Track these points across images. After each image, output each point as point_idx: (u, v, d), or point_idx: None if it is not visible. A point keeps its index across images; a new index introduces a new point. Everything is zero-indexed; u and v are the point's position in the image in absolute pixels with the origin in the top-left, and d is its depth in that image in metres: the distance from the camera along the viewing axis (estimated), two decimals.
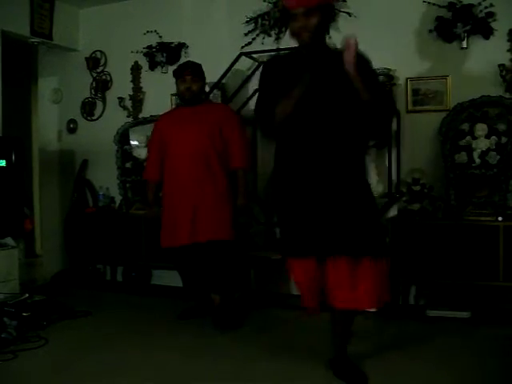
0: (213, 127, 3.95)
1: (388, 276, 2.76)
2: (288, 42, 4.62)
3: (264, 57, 4.71)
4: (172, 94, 5.09)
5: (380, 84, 2.89)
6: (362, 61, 2.72)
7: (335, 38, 4.50)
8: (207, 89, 4.83)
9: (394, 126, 4.27)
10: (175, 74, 4.09)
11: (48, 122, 6.00)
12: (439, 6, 4.26)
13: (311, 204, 2.71)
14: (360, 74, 2.61)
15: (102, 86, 5.65)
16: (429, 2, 4.29)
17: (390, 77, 4.35)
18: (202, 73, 4.08)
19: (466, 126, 4.08)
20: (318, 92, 2.69)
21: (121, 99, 5.48)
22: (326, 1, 2.76)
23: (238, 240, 4.06)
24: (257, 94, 4.59)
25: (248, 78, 4.75)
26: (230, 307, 3.96)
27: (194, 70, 4.02)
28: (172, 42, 5.19)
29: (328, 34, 2.89)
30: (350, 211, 2.69)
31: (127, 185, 5.25)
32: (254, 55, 4.72)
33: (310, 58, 2.73)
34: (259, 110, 2.86)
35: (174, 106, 4.99)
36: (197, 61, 4.93)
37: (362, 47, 4.46)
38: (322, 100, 2.70)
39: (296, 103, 2.64)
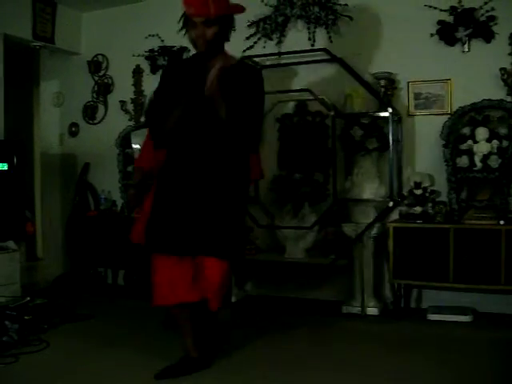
0: None
1: (228, 278, 3.03)
2: (290, 45, 4.69)
3: (265, 60, 4.74)
4: None
5: (250, 105, 2.88)
6: (249, 76, 2.95)
7: (337, 42, 4.57)
8: None
9: (396, 129, 4.29)
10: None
11: (50, 126, 6.01)
12: (441, 10, 4.27)
13: (181, 206, 2.89)
14: (230, 90, 2.79)
15: (103, 89, 5.66)
16: (430, 6, 4.29)
17: (391, 80, 4.36)
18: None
19: (467, 130, 4.08)
20: (196, 101, 2.86)
21: (122, 103, 5.49)
22: (224, 12, 2.85)
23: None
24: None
25: None
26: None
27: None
28: (174, 46, 5.20)
29: (228, 41, 3.00)
30: (209, 213, 2.87)
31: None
32: (256, 59, 4.72)
33: (198, 67, 2.91)
34: (150, 117, 3.04)
35: None
36: None
37: (363, 51, 4.52)
38: (198, 109, 2.86)
39: (178, 118, 2.87)
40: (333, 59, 4.40)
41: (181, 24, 2.93)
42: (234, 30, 3.12)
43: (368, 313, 4.18)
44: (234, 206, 2.95)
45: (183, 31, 2.94)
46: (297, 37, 4.74)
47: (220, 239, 2.88)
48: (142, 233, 3.49)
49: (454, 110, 4.20)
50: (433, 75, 4.34)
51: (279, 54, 4.71)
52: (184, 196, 2.89)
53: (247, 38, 4.87)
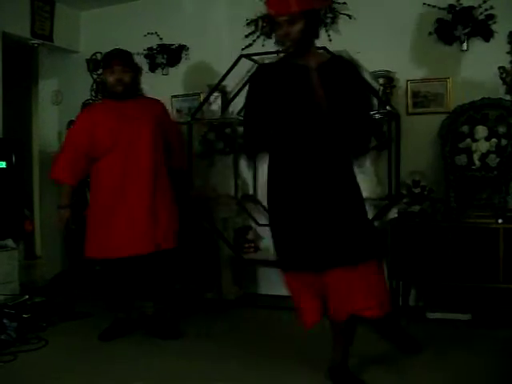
0: (154, 124, 3.64)
1: (385, 280, 2.80)
2: None
3: (264, 59, 4.73)
4: (172, 96, 5.10)
5: (365, 100, 2.84)
6: (348, 70, 2.76)
7: (336, 41, 4.56)
8: (207, 90, 4.84)
9: (393, 128, 4.29)
10: (103, 63, 3.71)
11: (48, 124, 6.00)
12: (439, 8, 4.27)
13: (303, 216, 2.69)
14: (343, 86, 2.68)
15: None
16: (429, 4, 4.29)
17: (390, 79, 4.35)
18: (133, 62, 3.70)
19: (466, 129, 4.08)
20: (305, 105, 2.68)
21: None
22: (309, 6, 2.67)
23: (179, 247, 3.76)
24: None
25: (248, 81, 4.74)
26: (166, 315, 3.89)
27: (123, 59, 3.61)
28: (172, 44, 5.20)
29: (317, 38, 2.81)
30: (341, 220, 2.67)
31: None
32: (255, 57, 4.71)
33: (295, 70, 2.72)
34: (248, 132, 2.84)
35: (171, 108, 5.00)
36: (197, 63, 4.95)
37: (362, 49, 4.51)
38: (309, 113, 2.68)
39: (287, 115, 2.69)
40: None
41: (269, 28, 2.87)
42: (325, 26, 2.98)
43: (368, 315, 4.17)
44: (359, 205, 2.79)
45: (274, 36, 2.84)
46: None
47: (359, 242, 2.69)
48: (95, 245, 3.56)
49: (453, 108, 4.20)
50: (431, 74, 4.34)
51: (278, 52, 4.69)
52: (309, 205, 2.68)
53: (246, 36, 4.86)
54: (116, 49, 3.77)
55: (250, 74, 4.70)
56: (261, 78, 2.81)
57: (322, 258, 2.66)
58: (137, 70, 3.74)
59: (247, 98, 2.84)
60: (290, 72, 2.72)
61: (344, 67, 2.78)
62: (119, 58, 3.63)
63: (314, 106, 2.65)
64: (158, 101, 3.95)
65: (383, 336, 3.47)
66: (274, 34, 2.86)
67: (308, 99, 2.66)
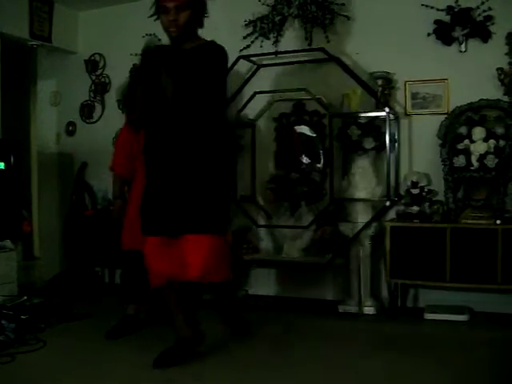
0: None
1: (227, 252, 3.25)
2: (287, 45, 4.69)
3: (262, 60, 4.73)
4: None
5: (200, 81, 2.97)
6: (212, 56, 3.02)
7: (334, 42, 4.57)
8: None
9: (393, 129, 4.30)
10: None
11: (47, 125, 6.00)
12: (438, 10, 4.28)
13: (165, 188, 3.04)
14: (186, 70, 2.93)
15: (100, 88, 5.65)
16: (427, 6, 4.30)
17: (388, 80, 4.36)
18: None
19: (464, 130, 4.09)
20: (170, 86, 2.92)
21: (120, 102, 5.48)
22: None
23: None
24: (255, 96, 4.67)
25: (246, 81, 4.75)
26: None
27: None
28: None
29: (201, 27, 3.09)
30: (194, 195, 3.01)
31: (126, 187, 5.24)
32: (253, 58, 4.72)
33: (170, 53, 2.99)
34: (127, 100, 3.24)
35: None
36: None
37: (360, 51, 4.52)
38: (173, 94, 2.92)
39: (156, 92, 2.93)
40: (330, 59, 4.39)
41: (153, 11, 3.03)
42: (207, 16, 3.15)
43: (365, 312, 4.19)
44: (212, 182, 3.06)
45: (155, 17, 3.05)
46: (294, 36, 4.74)
47: (203, 215, 3.02)
48: (129, 238, 3.69)
49: (451, 109, 4.21)
50: (430, 75, 4.35)
51: (276, 53, 4.71)
52: (165, 179, 3.04)
53: (244, 38, 4.86)
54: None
55: (248, 75, 4.75)
56: (149, 55, 3.01)
57: (175, 224, 3.04)
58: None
59: (137, 71, 3.23)
60: (169, 53, 2.98)
61: (207, 51, 3.02)
62: None
63: (162, 89, 2.91)
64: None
65: (222, 320, 3.69)
66: (156, 19, 3.07)
67: (174, 79, 2.90)
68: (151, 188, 3.13)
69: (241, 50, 4.81)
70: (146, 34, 5.25)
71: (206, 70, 2.96)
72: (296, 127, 4.79)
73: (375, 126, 4.27)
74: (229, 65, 4.59)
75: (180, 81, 2.91)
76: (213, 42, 3.11)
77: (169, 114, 2.98)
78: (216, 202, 3.09)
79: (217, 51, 3.05)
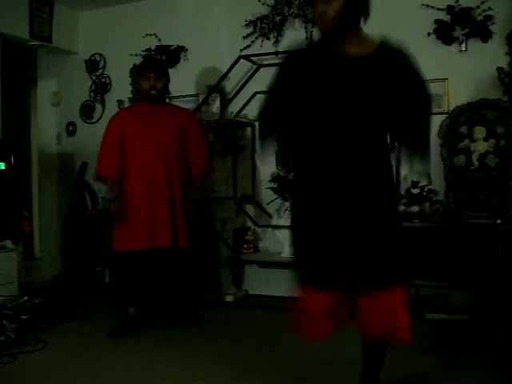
0: (176, 130, 3.86)
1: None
2: (287, 44, 4.68)
3: (263, 60, 4.74)
4: (170, 97, 5.10)
5: (424, 100, 2.39)
6: (402, 64, 2.38)
7: None
8: (205, 91, 4.85)
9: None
10: (137, 71, 3.93)
11: (47, 125, 6.01)
12: (438, 9, 4.28)
13: (337, 224, 2.29)
14: (394, 83, 2.28)
15: (101, 88, 5.66)
16: (427, 5, 4.30)
17: None
18: (166, 70, 3.97)
19: (464, 129, 4.09)
20: (340, 99, 2.27)
21: (120, 102, 5.49)
22: None
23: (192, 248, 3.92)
24: (255, 96, 4.67)
25: (247, 81, 4.75)
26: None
27: (157, 68, 3.89)
28: (171, 45, 5.20)
29: (366, 16, 2.40)
30: (378, 235, 2.31)
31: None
32: (253, 58, 4.73)
33: (332, 59, 2.31)
34: (264, 115, 2.44)
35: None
36: (196, 64, 4.95)
37: None
38: (346, 108, 2.27)
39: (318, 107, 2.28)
40: None
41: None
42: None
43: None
44: (396, 220, 2.44)
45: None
46: (294, 36, 4.73)
47: (392, 262, 2.40)
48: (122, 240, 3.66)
49: (451, 109, 4.21)
50: (430, 74, 4.27)
51: (276, 53, 4.71)
52: (341, 214, 2.29)
53: (244, 38, 4.87)
54: (151, 57, 4.21)
55: (248, 75, 4.75)
56: (291, 64, 2.40)
57: (353, 275, 2.30)
58: (168, 78, 3.96)
59: (271, 82, 2.39)
60: (325, 60, 2.31)
61: (397, 59, 2.37)
62: (154, 66, 3.90)
63: (351, 104, 2.26)
64: (185, 110, 4.17)
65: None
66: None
67: (343, 95, 2.26)
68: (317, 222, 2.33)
69: (241, 50, 4.81)
70: (147, 34, 5.29)
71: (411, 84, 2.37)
72: None
73: None
74: (229, 65, 4.66)
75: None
76: (389, 46, 2.49)
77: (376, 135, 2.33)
78: (402, 242, 2.49)
79: (406, 58, 2.44)
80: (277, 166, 4.71)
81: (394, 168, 2.46)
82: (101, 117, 5.66)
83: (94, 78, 5.70)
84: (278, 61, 4.70)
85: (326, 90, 2.27)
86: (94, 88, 5.69)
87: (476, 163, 4.02)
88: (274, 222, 4.64)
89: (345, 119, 2.26)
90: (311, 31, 4.65)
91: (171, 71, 4.47)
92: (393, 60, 2.34)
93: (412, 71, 2.37)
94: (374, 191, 2.29)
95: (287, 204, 4.60)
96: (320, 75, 2.29)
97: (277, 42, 4.80)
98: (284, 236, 4.58)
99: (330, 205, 2.28)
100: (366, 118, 2.27)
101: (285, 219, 4.57)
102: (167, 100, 4.32)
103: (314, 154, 2.32)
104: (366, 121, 2.27)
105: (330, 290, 2.32)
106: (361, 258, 2.28)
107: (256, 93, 4.65)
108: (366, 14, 2.38)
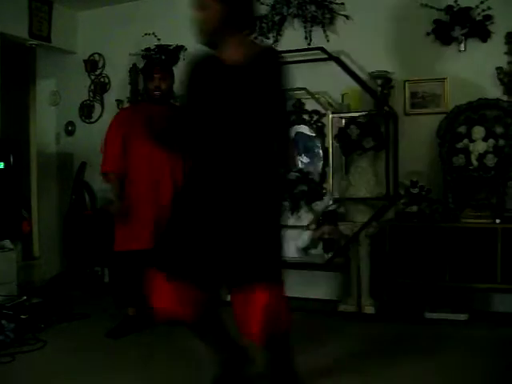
0: None
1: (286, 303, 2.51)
2: (286, 44, 4.69)
3: None
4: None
5: (282, 111, 2.49)
6: (273, 72, 2.43)
7: (333, 41, 4.57)
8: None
9: (391, 128, 4.30)
10: (143, 72, 3.95)
11: (46, 125, 6.00)
12: (437, 9, 4.28)
13: (208, 220, 2.37)
14: (262, 91, 2.37)
15: (100, 88, 5.65)
16: (426, 5, 4.30)
17: (387, 79, 4.36)
18: (172, 71, 3.99)
19: (463, 129, 4.09)
20: (224, 105, 2.40)
21: (119, 102, 5.49)
22: None
23: None
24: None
25: None
26: None
27: (162, 69, 3.92)
28: (170, 45, 5.19)
29: (245, 25, 2.46)
30: (245, 234, 2.35)
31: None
32: None
33: (213, 65, 2.46)
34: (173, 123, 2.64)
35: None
36: None
37: (359, 50, 4.52)
38: (228, 114, 2.40)
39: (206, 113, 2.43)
40: (329, 58, 4.40)
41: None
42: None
43: (364, 311, 4.18)
44: (273, 221, 2.47)
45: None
46: (293, 36, 4.74)
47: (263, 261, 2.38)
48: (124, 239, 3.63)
49: (451, 108, 4.20)
50: (429, 74, 4.35)
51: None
52: (217, 212, 2.37)
53: None
54: (156, 57, 4.21)
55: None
56: (189, 69, 2.59)
57: (213, 271, 2.36)
58: (173, 79, 3.97)
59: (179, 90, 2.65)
60: (207, 68, 2.47)
61: (268, 68, 2.41)
62: (159, 67, 3.94)
63: (226, 108, 2.39)
64: None
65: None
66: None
67: (216, 102, 2.40)
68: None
69: None
70: (146, 34, 5.28)
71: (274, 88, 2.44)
72: (295, 126, 4.80)
73: (374, 126, 4.26)
74: None
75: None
76: (269, 50, 2.65)
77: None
78: (277, 244, 2.47)
79: (278, 64, 2.49)
80: None
81: (280, 169, 2.58)
82: (100, 116, 5.65)
83: (93, 77, 5.69)
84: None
85: (204, 97, 2.44)
86: (93, 88, 5.69)
87: (475, 163, 4.02)
88: None
89: (219, 124, 2.40)
90: (310, 31, 4.65)
91: None
92: (264, 69, 2.40)
93: (276, 81, 2.43)
94: (249, 191, 2.37)
95: (287, 204, 4.61)
96: (202, 82, 2.46)
97: (276, 41, 4.79)
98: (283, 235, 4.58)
99: (206, 202, 2.38)
100: (237, 123, 2.38)
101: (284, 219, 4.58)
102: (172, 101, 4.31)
103: (200, 155, 2.47)
104: (238, 126, 2.38)
105: (185, 282, 2.35)
106: (223, 255, 2.34)
107: None
108: (248, 22, 2.48)
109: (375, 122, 4.27)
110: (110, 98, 5.59)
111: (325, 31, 4.61)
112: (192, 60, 2.61)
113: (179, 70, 5.08)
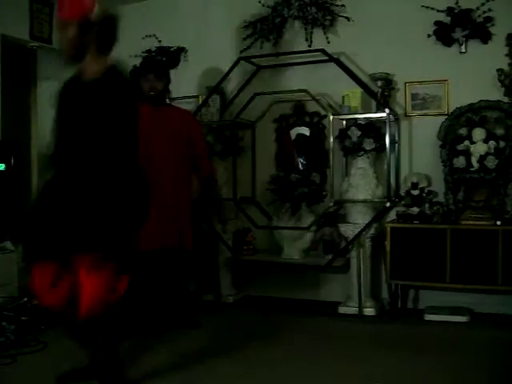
0: (179, 131, 3.88)
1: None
2: (287, 46, 4.70)
3: (262, 61, 4.74)
4: (170, 98, 5.10)
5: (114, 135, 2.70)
6: (113, 94, 2.64)
7: (334, 43, 4.57)
8: (205, 93, 4.85)
9: (393, 130, 4.30)
10: (137, 72, 4.00)
11: (47, 126, 5.95)
12: (438, 11, 4.28)
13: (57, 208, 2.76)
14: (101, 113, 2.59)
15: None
16: (427, 7, 4.30)
17: (388, 81, 4.36)
18: (166, 71, 3.99)
19: (464, 131, 4.09)
20: (70, 122, 2.70)
21: None
22: (77, 15, 2.61)
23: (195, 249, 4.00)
24: (255, 97, 4.68)
25: (247, 83, 4.75)
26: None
27: (156, 69, 3.93)
28: (171, 47, 5.20)
29: (103, 46, 2.73)
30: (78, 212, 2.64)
31: None
32: (253, 60, 4.73)
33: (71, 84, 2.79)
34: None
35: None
36: (196, 65, 4.94)
37: (360, 52, 4.52)
38: (72, 130, 2.71)
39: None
40: (330, 60, 4.40)
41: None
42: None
43: (365, 313, 4.18)
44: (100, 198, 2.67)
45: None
46: (294, 37, 4.75)
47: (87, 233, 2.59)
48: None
49: (451, 110, 4.21)
50: (430, 76, 4.35)
51: (276, 54, 4.71)
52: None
53: (244, 39, 4.86)
54: (150, 58, 4.31)
55: (248, 76, 4.75)
56: (59, 91, 2.88)
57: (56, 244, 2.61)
58: (168, 79, 3.98)
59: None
60: (71, 85, 2.81)
61: (110, 86, 2.66)
62: (153, 67, 3.96)
63: (71, 126, 2.68)
64: (185, 111, 4.18)
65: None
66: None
67: (67, 119, 2.70)
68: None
69: (241, 52, 4.81)
70: (146, 36, 5.28)
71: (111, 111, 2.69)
72: (296, 128, 4.81)
73: (375, 127, 4.27)
74: (229, 66, 4.66)
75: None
76: (112, 72, 2.79)
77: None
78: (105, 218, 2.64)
79: (118, 87, 2.74)
80: (276, 168, 4.73)
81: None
82: None
83: None
84: (278, 62, 4.72)
85: (62, 115, 2.76)
86: None
87: (476, 165, 4.02)
88: (274, 223, 4.64)
89: (71, 133, 2.69)
90: (311, 32, 4.65)
91: (171, 72, 4.49)
92: (107, 86, 2.65)
93: (111, 99, 2.63)
94: (85, 189, 2.68)
95: (287, 205, 4.61)
96: (65, 100, 2.78)
97: (276, 43, 4.79)
98: (284, 237, 4.58)
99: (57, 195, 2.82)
100: (78, 134, 2.64)
101: (285, 221, 4.58)
102: (167, 101, 4.31)
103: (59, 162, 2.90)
104: (79, 136, 2.64)
105: (49, 263, 2.60)
106: (61, 230, 2.61)
107: (256, 94, 4.64)
108: (106, 43, 2.74)
109: (376, 123, 4.28)
110: None
111: (325, 33, 4.61)
112: (64, 82, 2.90)
113: (179, 72, 5.14)
